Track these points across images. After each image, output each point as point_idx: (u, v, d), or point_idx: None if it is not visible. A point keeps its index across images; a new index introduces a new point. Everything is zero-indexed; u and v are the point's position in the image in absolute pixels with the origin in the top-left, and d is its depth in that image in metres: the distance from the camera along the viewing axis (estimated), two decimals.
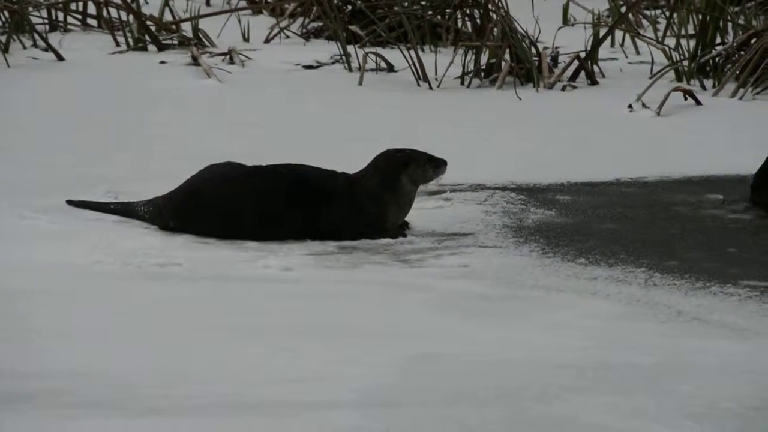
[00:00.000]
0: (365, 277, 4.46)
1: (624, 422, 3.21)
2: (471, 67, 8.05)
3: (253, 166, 4.90)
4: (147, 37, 8.65)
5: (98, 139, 6.56)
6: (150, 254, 4.61)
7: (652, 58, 8.29)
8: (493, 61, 8.07)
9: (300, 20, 9.29)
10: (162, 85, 7.77)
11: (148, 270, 4.47)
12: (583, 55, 8.11)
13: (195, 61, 8.23)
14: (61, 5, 9.07)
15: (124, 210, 5.02)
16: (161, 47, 8.63)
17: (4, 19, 8.58)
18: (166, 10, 8.99)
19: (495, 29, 8.14)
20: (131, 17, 8.76)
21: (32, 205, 5.12)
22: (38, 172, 5.80)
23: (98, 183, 5.49)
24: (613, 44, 9.01)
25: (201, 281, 4.36)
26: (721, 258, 4.73)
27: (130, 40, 8.65)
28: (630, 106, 7.42)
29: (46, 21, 9.02)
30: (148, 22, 8.74)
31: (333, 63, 8.46)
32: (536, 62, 8.01)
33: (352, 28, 8.76)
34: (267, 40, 9.05)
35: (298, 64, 8.45)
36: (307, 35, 9.16)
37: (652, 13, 9.68)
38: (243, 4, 9.86)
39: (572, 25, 9.62)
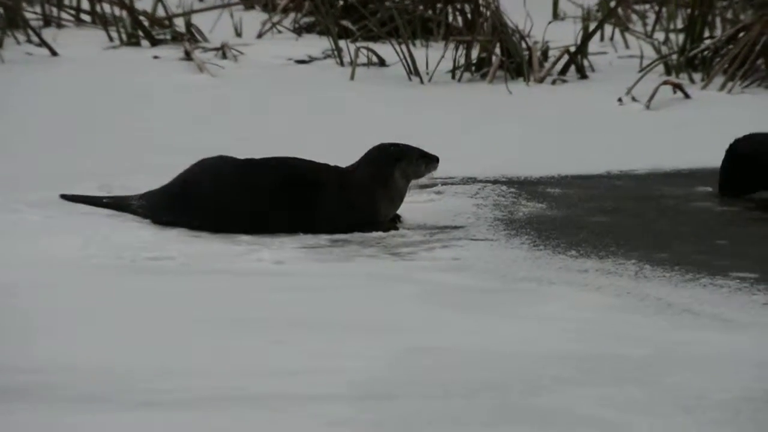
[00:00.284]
0: (357, 270, 4.46)
1: (615, 414, 3.22)
2: (462, 61, 8.05)
3: (246, 159, 4.91)
4: (140, 33, 8.65)
5: (91, 133, 6.55)
6: (143, 248, 4.60)
7: (642, 52, 8.30)
8: (483, 55, 8.08)
9: (292, 15, 9.29)
10: (155, 80, 7.76)
11: (141, 264, 4.47)
12: (573, 49, 8.12)
13: (188, 56, 8.22)
14: (54, 1, 9.06)
15: (118, 204, 5.02)
16: (154, 42, 8.63)
17: None
18: (159, 5, 8.98)
19: (486, 24, 8.14)
20: (124, 13, 8.76)
21: (25, 200, 5.11)
22: (32, 166, 5.80)
23: (91, 177, 5.48)
24: (602, 38, 9.02)
25: (194, 275, 4.36)
26: (710, 250, 4.74)
27: (124, 36, 8.64)
28: (620, 100, 7.44)
29: (40, 17, 9.00)
30: (141, 18, 8.73)
31: (325, 58, 8.46)
32: (527, 56, 8.02)
33: (344, 23, 8.76)
34: (259, 35, 9.05)
35: (290, 59, 8.45)
36: (299, 30, 9.16)
37: (642, 7, 9.70)
38: None
39: (562, 19, 9.64)
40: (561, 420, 3.17)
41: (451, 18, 8.81)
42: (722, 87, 7.77)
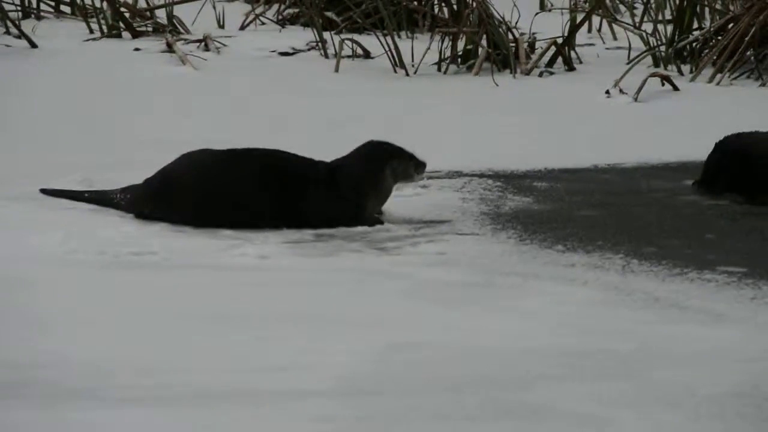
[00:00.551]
0: (342, 265, 4.45)
1: (601, 409, 3.21)
2: (448, 53, 8.04)
3: (228, 150, 4.88)
4: (121, 24, 8.61)
5: (72, 127, 6.53)
6: (125, 243, 4.59)
7: (630, 44, 8.30)
8: (470, 47, 8.06)
9: (275, 6, 9.26)
10: (136, 73, 7.74)
11: (123, 259, 4.45)
12: (560, 40, 8.11)
13: (170, 48, 8.19)
14: None
15: (100, 198, 4.99)
16: (135, 34, 8.59)
17: None
18: None
19: (472, 15, 8.12)
20: (105, 4, 8.72)
21: (6, 195, 5.09)
22: (11, 160, 5.78)
23: (72, 171, 5.46)
24: (590, 30, 9.01)
25: (177, 270, 4.34)
26: (698, 244, 4.73)
27: (104, 27, 8.61)
28: (607, 92, 7.42)
29: (19, 8, 8.96)
30: (123, 9, 8.69)
31: (309, 50, 8.44)
32: (513, 48, 8.00)
33: (328, 14, 8.73)
34: (242, 27, 9.02)
35: (273, 51, 8.42)
36: (282, 22, 9.13)
37: None
38: None
39: (549, 10, 9.62)
40: (547, 415, 3.16)
41: (436, 9, 8.79)
42: (711, 79, 7.76)
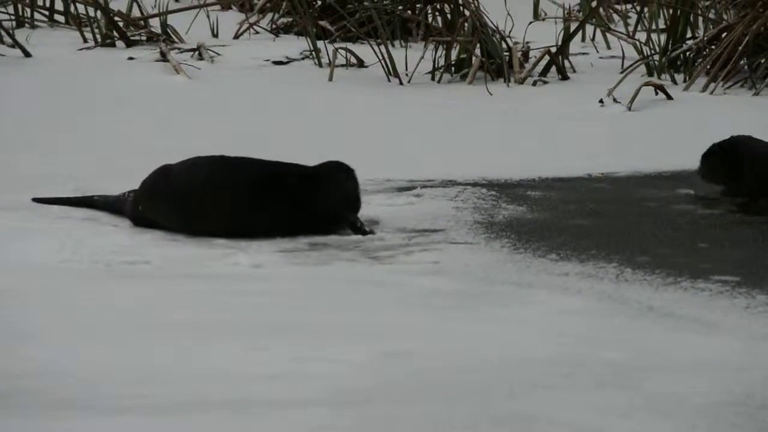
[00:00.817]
0: (335, 274, 4.44)
1: (595, 419, 3.20)
2: (442, 62, 8.04)
3: (220, 156, 4.89)
4: (115, 33, 8.61)
5: (65, 135, 6.53)
6: (118, 252, 4.59)
7: (623, 53, 8.31)
8: (463, 56, 8.07)
9: (269, 16, 9.27)
10: (130, 82, 7.74)
11: (116, 268, 4.45)
12: (554, 50, 8.12)
13: (164, 57, 8.19)
14: (27, 1, 9.01)
15: (99, 203, 5.00)
16: (129, 43, 8.59)
17: None
18: (134, 6, 8.95)
19: (465, 24, 8.13)
20: (99, 13, 8.72)
21: None
22: (4, 169, 5.78)
23: (66, 180, 5.47)
24: (584, 39, 9.02)
25: (170, 279, 4.34)
26: (692, 253, 4.74)
27: (98, 36, 8.60)
28: (601, 101, 7.43)
29: (13, 17, 8.95)
30: (116, 18, 8.69)
31: (303, 59, 8.44)
32: (507, 57, 8.01)
33: (322, 23, 8.74)
34: (236, 36, 9.02)
35: (267, 60, 8.43)
36: (276, 31, 9.13)
37: (623, 7, 9.70)
38: None
39: (543, 19, 9.63)
40: (540, 424, 3.16)
41: (430, 18, 8.80)
42: (704, 88, 7.77)
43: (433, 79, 8.02)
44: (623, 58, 8.24)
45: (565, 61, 8.17)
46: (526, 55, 8.24)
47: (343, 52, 8.15)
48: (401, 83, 7.93)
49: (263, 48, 8.66)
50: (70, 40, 8.66)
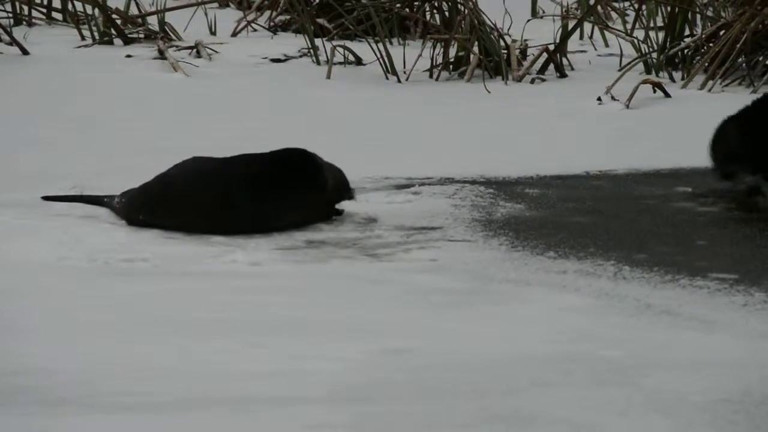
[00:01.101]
0: (333, 271, 4.44)
1: (593, 416, 3.21)
2: (439, 59, 8.04)
3: (224, 158, 4.90)
4: (113, 31, 8.60)
5: (63, 133, 6.52)
6: (117, 250, 4.59)
7: (621, 51, 8.30)
8: (461, 53, 8.06)
9: (267, 13, 9.26)
10: (128, 80, 7.74)
11: (114, 266, 4.45)
12: (551, 47, 8.12)
13: (161, 55, 8.19)
14: None
15: (96, 200, 5.00)
16: (127, 41, 8.59)
17: None
18: (132, 3, 8.95)
19: (463, 22, 8.13)
20: (97, 11, 8.71)
21: None
22: (2, 167, 5.77)
23: (64, 178, 5.46)
24: (582, 37, 9.01)
25: (168, 277, 4.34)
26: (690, 251, 4.74)
27: (96, 34, 8.60)
28: (599, 99, 7.43)
29: (11, 15, 8.95)
30: (114, 16, 8.68)
31: (301, 56, 8.44)
32: (505, 55, 8.01)
33: (320, 21, 8.73)
34: (234, 34, 9.02)
35: (265, 58, 8.42)
36: (274, 28, 9.13)
37: (621, 5, 9.70)
38: None
39: (541, 17, 9.63)
40: (539, 422, 3.16)
41: (428, 16, 8.79)
42: (703, 86, 7.77)
43: (431, 76, 8.02)
44: (621, 55, 8.24)
45: (563, 59, 8.17)
46: (524, 52, 8.24)
47: (341, 49, 8.15)
48: (399, 81, 7.93)
49: (261, 46, 8.65)
50: (68, 38, 8.66)
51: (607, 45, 8.85)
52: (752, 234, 4.99)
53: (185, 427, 3.10)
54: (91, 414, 3.15)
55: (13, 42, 8.27)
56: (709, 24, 8.36)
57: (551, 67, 8.10)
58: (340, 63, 8.16)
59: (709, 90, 7.74)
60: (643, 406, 3.26)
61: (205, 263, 4.50)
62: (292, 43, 8.71)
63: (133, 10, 8.93)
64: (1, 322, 3.82)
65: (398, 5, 8.75)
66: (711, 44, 8.02)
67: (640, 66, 8.06)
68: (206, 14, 9.13)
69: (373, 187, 5.44)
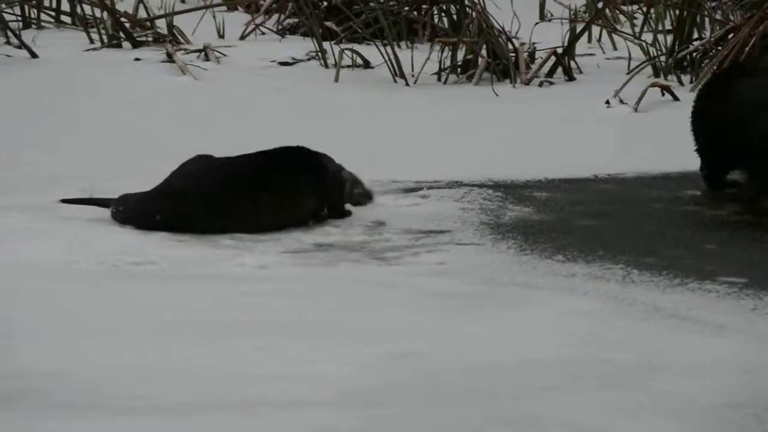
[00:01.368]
0: (342, 275, 4.45)
1: (601, 420, 3.21)
2: (448, 63, 8.05)
3: (225, 157, 4.91)
4: (121, 34, 8.62)
5: (72, 136, 6.55)
6: (125, 252, 4.60)
7: (630, 54, 8.31)
8: (469, 57, 8.07)
9: (275, 16, 9.27)
10: (137, 83, 7.75)
11: (123, 269, 4.46)
12: (560, 50, 8.12)
13: (170, 58, 8.20)
14: (34, 2, 9.03)
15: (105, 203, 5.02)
16: (136, 44, 8.60)
17: None
18: (141, 6, 8.96)
19: (471, 25, 8.13)
20: (105, 14, 8.73)
21: (5, 204, 5.09)
22: (11, 169, 5.78)
23: (73, 181, 5.48)
24: (590, 40, 9.01)
25: (176, 279, 4.35)
26: (699, 254, 4.74)
27: (105, 37, 8.62)
28: (607, 102, 7.43)
29: (20, 18, 8.97)
30: (123, 19, 8.70)
31: (309, 59, 8.45)
32: (513, 58, 8.01)
33: (328, 24, 8.74)
34: (242, 37, 9.03)
35: (273, 61, 8.44)
36: (282, 32, 9.14)
37: (629, 8, 9.70)
38: (218, 0, 9.83)
39: (549, 20, 9.63)
40: (546, 426, 3.16)
41: (436, 19, 8.80)
42: None
43: (439, 80, 8.03)
44: (629, 59, 8.24)
45: (572, 62, 8.17)
46: (532, 56, 8.24)
47: (349, 53, 8.16)
48: (407, 84, 7.93)
49: (269, 49, 8.67)
50: (77, 41, 8.68)
51: (615, 48, 8.85)
52: (762, 238, 4.99)
53: (191, 430, 3.10)
54: (97, 417, 3.15)
55: (22, 45, 8.28)
56: (717, 27, 8.36)
57: (559, 70, 8.10)
58: (349, 66, 8.17)
59: None
60: (651, 410, 3.26)
61: (213, 266, 4.51)
62: (300, 46, 8.72)
63: (142, 14, 8.95)
64: (7, 325, 3.82)
65: (406, 8, 8.75)
66: (719, 47, 8.02)
67: (649, 69, 8.06)
68: (214, 17, 9.14)
69: (381, 191, 5.44)
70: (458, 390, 3.36)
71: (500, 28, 8.11)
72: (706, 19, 8.59)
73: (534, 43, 8.37)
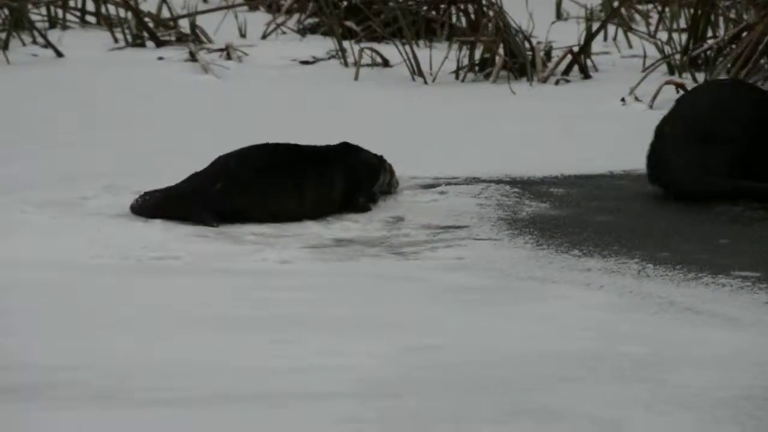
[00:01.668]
0: (361, 269, 4.47)
1: (618, 411, 3.23)
2: (465, 61, 8.06)
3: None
4: (145, 34, 8.66)
5: (98, 134, 6.55)
6: (149, 248, 4.62)
7: (645, 52, 8.31)
8: (487, 55, 8.09)
9: (296, 16, 9.30)
10: (160, 81, 7.77)
11: (147, 264, 4.48)
12: (576, 49, 8.13)
13: (192, 57, 8.24)
14: (60, 2, 9.08)
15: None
16: (159, 43, 8.65)
17: (4, 17, 8.59)
18: (164, 6, 9.00)
19: (489, 24, 8.15)
20: (129, 14, 8.77)
21: (31, 200, 5.12)
22: (38, 167, 5.80)
23: (97, 178, 5.49)
24: (605, 38, 9.03)
25: (199, 274, 4.37)
26: (713, 249, 4.75)
27: (129, 37, 8.66)
28: (623, 100, 7.44)
29: (46, 18, 9.02)
30: (146, 19, 8.75)
31: (329, 58, 8.47)
32: (530, 56, 8.03)
33: (348, 23, 8.77)
34: (264, 36, 9.07)
35: (294, 60, 8.46)
36: (303, 31, 9.17)
37: (645, 7, 9.70)
38: (240, 0, 9.86)
39: (565, 19, 9.64)
40: (564, 417, 3.18)
41: (454, 18, 8.82)
42: None
43: (457, 78, 8.04)
44: (645, 57, 8.25)
45: (587, 61, 8.18)
46: (548, 54, 8.25)
47: (368, 51, 8.19)
48: (426, 82, 7.95)
49: (290, 48, 8.68)
50: (102, 41, 8.70)
51: (630, 46, 8.86)
52: None
53: (215, 421, 3.12)
54: (117, 408, 3.18)
55: (48, 45, 8.34)
56: (731, 26, 8.36)
57: (575, 68, 8.11)
58: (368, 65, 8.19)
59: None
60: (667, 402, 3.28)
61: (236, 261, 4.53)
62: (320, 45, 8.73)
63: (165, 14, 8.98)
64: (33, 319, 3.86)
65: (425, 8, 8.78)
66: (734, 46, 8.02)
67: (664, 67, 8.07)
68: (236, 17, 9.17)
69: (400, 187, 5.46)
70: (477, 382, 3.39)
71: (517, 27, 8.13)
72: (721, 18, 8.60)
73: (550, 42, 8.38)
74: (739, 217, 5.20)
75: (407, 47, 8.00)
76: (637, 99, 7.42)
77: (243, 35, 9.00)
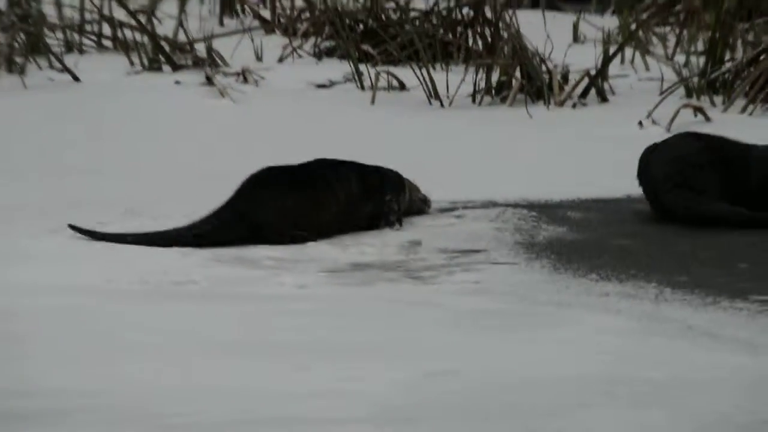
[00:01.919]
0: (378, 294, 4.48)
1: None
2: (482, 84, 8.08)
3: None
4: (161, 58, 8.71)
5: (114, 159, 6.59)
6: (167, 273, 4.64)
7: (662, 75, 8.31)
8: (503, 78, 8.10)
9: (312, 40, 9.34)
10: (177, 105, 7.79)
11: (165, 288, 4.50)
12: (593, 72, 8.14)
13: (209, 81, 8.27)
14: (76, 27, 9.14)
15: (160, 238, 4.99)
16: (176, 68, 8.69)
17: (20, 41, 8.65)
18: (180, 30, 9.05)
19: (506, 47, 8.17)
20: (146, 38, 8.82)
21: (47, 226, 5.14)
22: (54, 192, 5.83)
23: (115, 203, 5.51)
24: (623, 61, 9.04)
25: (217, 299, 4.38)
26: (731, 273, 4.74)
27: (145, 61, 8.70)
28: (640, 123, 7.44)
29: (62, 43, 9.08)
30: (163, 43, 8.79)
31: (345, 82, 8.50)
32: (547, 80, 8.05)
33: (364, 47, 8.80)
34: (280, 60, 9.10)
35: (310, 83, 8.48)
36: (319, 54, 9.21)
37: (662, 30, 9.71)
38: (256, 24, 9.91)
39: (582, 42, 9.66)
40: None
41: (471, 42, 8.84)
42: (743, 110, 7.77)
43: (473, 101, 8.06)
44: (662, 80, 8.25)
45: (605, 84, 8.19)
46: (565, 77, 8.26)
47: (385, 75, 8.21)
48: (442, 106, 7.97)
49: (307, 71, 8.71)
50: (118, 65, 8.75)
51: (648, 69, 8.86)
52: None
53: None
54: None
55: (65, 69, 8.38)
56: (749, 48, 8.36)
57: (593, 91, 8.12)
58: (384, 88, 8.22)
59: (750, 114, 7.74)
60: (686, 428, 3.27)
61: (254, 286, 4.54)
62: (336, 68, 8.76)
63: (182, 38, 9.03)
64: (52, 344, 3.87)
65: (441, 31, 8.81)
66: (752, 69, 8.02)
67: (681, 90, 8.07)
68: (252, 41, 9.21)
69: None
70: (495, 408, 3.38)
71: (534, 50, 8.14)
72: (739, 41, 8.60)
73: (567, 65, 8.39)
74: (757, 241, 5.19)
75: (424, 70, 8.02)
76: (654, 122, 7.42)
77: (259, 59, 9.04)
